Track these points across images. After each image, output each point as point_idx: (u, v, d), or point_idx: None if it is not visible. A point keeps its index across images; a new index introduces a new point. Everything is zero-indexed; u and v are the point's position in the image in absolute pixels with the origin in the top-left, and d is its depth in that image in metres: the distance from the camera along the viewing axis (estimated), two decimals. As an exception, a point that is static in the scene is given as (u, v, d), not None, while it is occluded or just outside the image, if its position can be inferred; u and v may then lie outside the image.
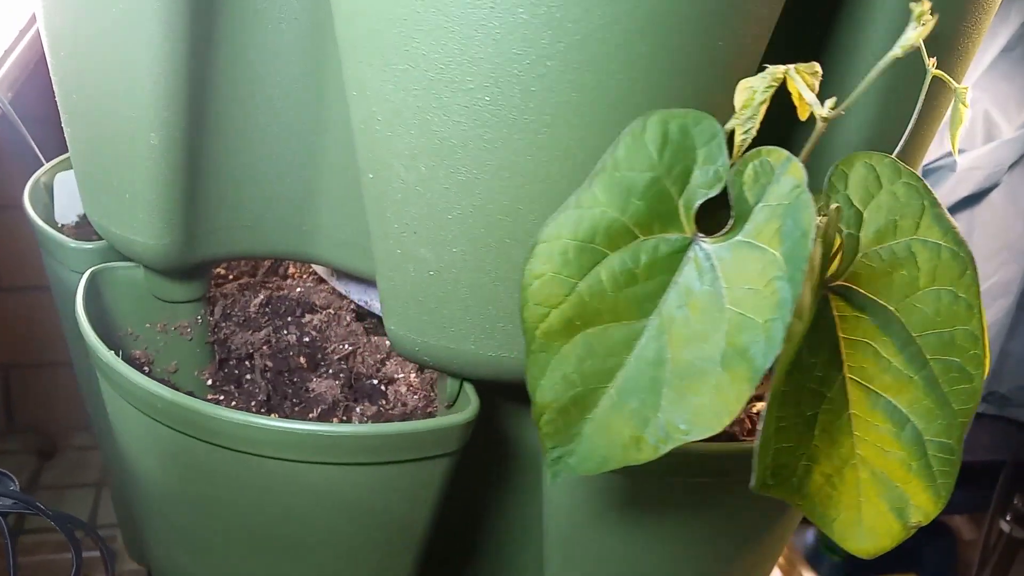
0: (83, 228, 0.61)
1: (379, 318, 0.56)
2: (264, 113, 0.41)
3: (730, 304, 0.31)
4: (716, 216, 0.32)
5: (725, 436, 0.48)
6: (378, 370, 0.54)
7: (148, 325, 0.51)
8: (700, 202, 0.31)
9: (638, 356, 0.33)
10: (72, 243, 0.52)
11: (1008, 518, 1.01)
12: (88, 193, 0.47)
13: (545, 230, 0.30)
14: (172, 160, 0.42)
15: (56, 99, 0.47)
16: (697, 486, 0.42)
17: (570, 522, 0.43)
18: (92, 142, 0.44)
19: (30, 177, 0.57)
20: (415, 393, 0.50)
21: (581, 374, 0.33)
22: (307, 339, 0.55)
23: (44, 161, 0.60)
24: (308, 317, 0.56)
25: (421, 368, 0.53)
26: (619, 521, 0.43)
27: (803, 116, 0.33)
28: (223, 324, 0.53)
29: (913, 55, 0.30)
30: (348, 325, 0.56)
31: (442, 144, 0.34)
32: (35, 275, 0.54)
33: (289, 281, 0.61)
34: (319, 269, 0.61)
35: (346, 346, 0.55)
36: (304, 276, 0.62)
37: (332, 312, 0.56)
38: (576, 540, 0.44)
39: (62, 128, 0.47)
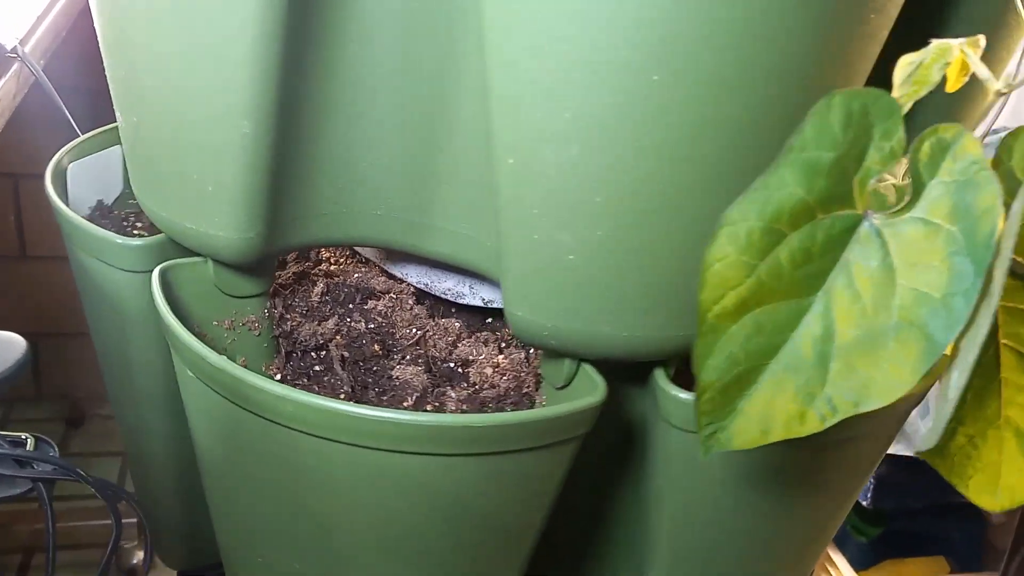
0: (97, 219, 0.57)
1: (440, 300, 0.55)
2: (364, 100, 0.39)
3: (903, 280, 0.31)
4: (882, 194, 0.32)
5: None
6: (450, 353, 0.53)
7: (215, 323, 0.48)
8: (874, 179, 0.31)
9: (804, 332, 0.33)
10: (118, 239, 0.48)
11: (1042, 502, 1.00)
12: (151, 187, 0.45)
13: (730, 213, 0.30)
14: (265, 149, 0.40)
15: (110, 83, 0.44)
16: (827, 443, 0.43)
17: (691, 489, 0.44)
18: (166, 132, 0.41)
19: (62, 147, 0.54)
20: (502, 375, 0.49)
21: (746, 352, 0.33)
22: (372, 325, 0.53)
23: (79, 131, 0.56)
24: (371, 303, 0.55)
25: (500, 348, 0.52)
26: (740, 486, 0.44)
27: (953, 88, 0.33)
28: (287, 316, 0.51)
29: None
30: (412, 309, 0.55)
31: (599, 125, 0.33)
32: (63, 245, 0.52)
33: (331, 266, 0.59)
34: (365, 251, 0.59)
35: (414, 331, 0.54)
36: (342, 260, 0.60)
37: (394, 296, 0.55)
38: (695, 508, 0.45)
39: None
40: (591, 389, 0.41)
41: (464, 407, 0.48)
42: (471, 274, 0.54)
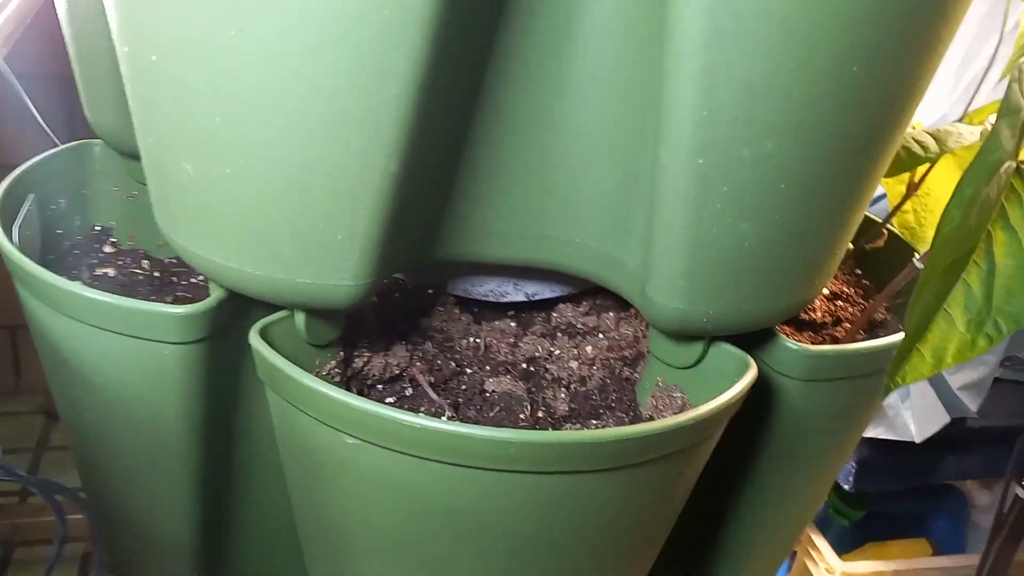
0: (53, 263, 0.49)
1: (481, 303, 0.54)
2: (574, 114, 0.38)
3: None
4: None
5: (824, 339, 0.56)
6: (513, 352, 0.52)
7: (300, 377, 0.43)
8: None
9: (972, 269, 0.38)
10: (164, 308, 0.42)
11: (1024, 484, 0.98)
12: (223, 240, 0.39)
13: (961, 180, 0.34)
14: (408, 187, 0.36)
15: (138, 120, 0.38)
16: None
17: (796, 433, 0.48)
18: (273, 181, 0.36)
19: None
20: (591, 365, 0.50)
21: (935, 296, 0.38)
22: (437, 342, 0.51)
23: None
24: (424, 321, 0.52)
25: (572, 336, 0.52)
26: (838, 426, 0.49)
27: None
28: (353, 354, 0.47)
29: None
30: (460, 317, 0.53)
31: (798, 120, 0.34)
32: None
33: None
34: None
35: (473, 340, 0.52)
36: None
37: (440, 309, 0.53)
38: (797, 450, 0.49)
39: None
40: (738, 366, 0.43)
41: (573, 406, 0.48)
42: (514, 272, 0.53)
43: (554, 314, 0.54)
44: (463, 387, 0.48)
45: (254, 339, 0.40)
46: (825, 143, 0.36)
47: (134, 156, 0.52)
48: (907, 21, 0.34)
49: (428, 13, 0.32)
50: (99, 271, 0.55)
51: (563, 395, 0.48)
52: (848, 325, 0.57)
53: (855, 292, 0.61)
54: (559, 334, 0.53)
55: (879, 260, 0.61)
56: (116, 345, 0.43)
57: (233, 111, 0.34)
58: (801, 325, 0.57)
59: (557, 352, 0.51)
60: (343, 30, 0.32)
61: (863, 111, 0.35)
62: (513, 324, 0.53)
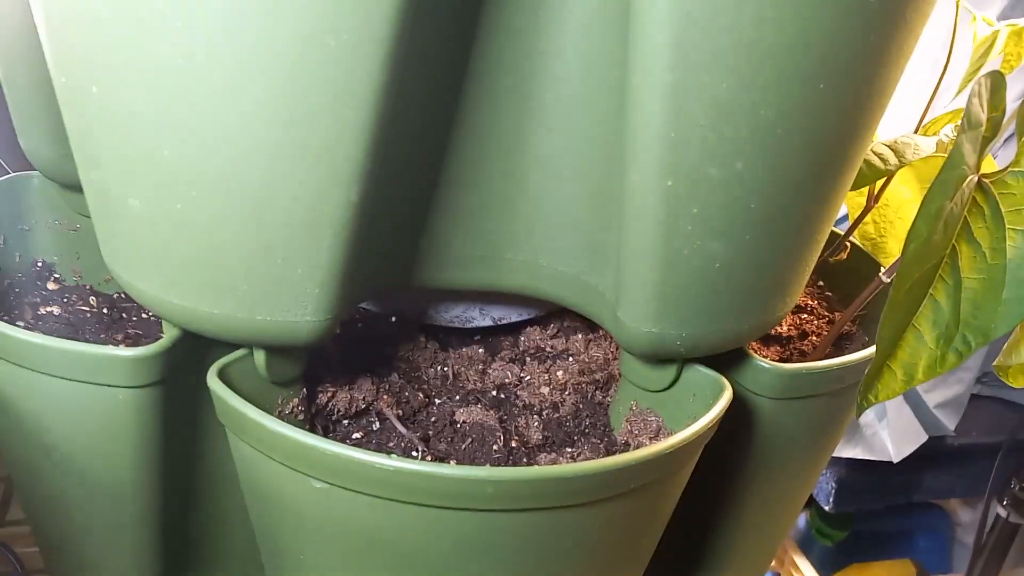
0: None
1: (447, 329, 0.53)
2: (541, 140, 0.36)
3: (1011, 224, 0.37)
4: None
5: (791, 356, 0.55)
6: (483, 380, 0.51)
7: (261, 417, 0.42)
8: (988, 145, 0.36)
9: (938, 286, 0.38)
10: (112, 351, 0.39)
11: (1005, 502, 0.95)
12: (175, 278, 0.37)
13: (927, 196, 0.34)
14: (370, 216, 0.35)
15: (80, 156, 0.35)
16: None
17: (770, 451, 0.48)
18: (227, 214, 0.34)
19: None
20: (561, 390, 0.49)
21: (903, 313, 0.38)
22: (402, 373, 0.49)
23: None
24: (387, 350, 0.50)
25: (541, 361, 0.51)
26: (812, 441, 0.49)
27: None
28: (317, 389, 0.45)
29: None
30: (426, 345, 0.52)
31: (768, 138, 0.34)
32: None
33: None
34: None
35: (442, 369, 0.51)
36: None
37: (406, 338, 0.51)
38: (771, 468, 0.49)
39: None
40: (712, 387, 0.42)
41: (546, 434, 0.47)
42: (480, 297, 0.52)
43: (522, 338, 0.53)
44: (432, 419, 0.47)
45: (212, 381, 0.38)
46: (794, 159, 0.35)
47: (75, 188, 0.50)
48: (872, 35, 0.33)
49: (387, 38, 0.31)
50: (43, 310, 0.52)
51: (536, 423, 0.47)
52: (814, 338, 0.57)
53: (819, 305, 0.61)
54: (528, 359, 0.52)
55: (842, 272, 0.61)
56: (64, 392, 0.41)
57: (183, 142, 0.33)
58: (768, 340, 0.56)
59: (527, 378, 0.50)
60: (298, 55, 0.30)
61: (831, 126, 0.35)
62: (481, 350, 0.52)
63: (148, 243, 0.36)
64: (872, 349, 0.46)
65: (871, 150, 0.47)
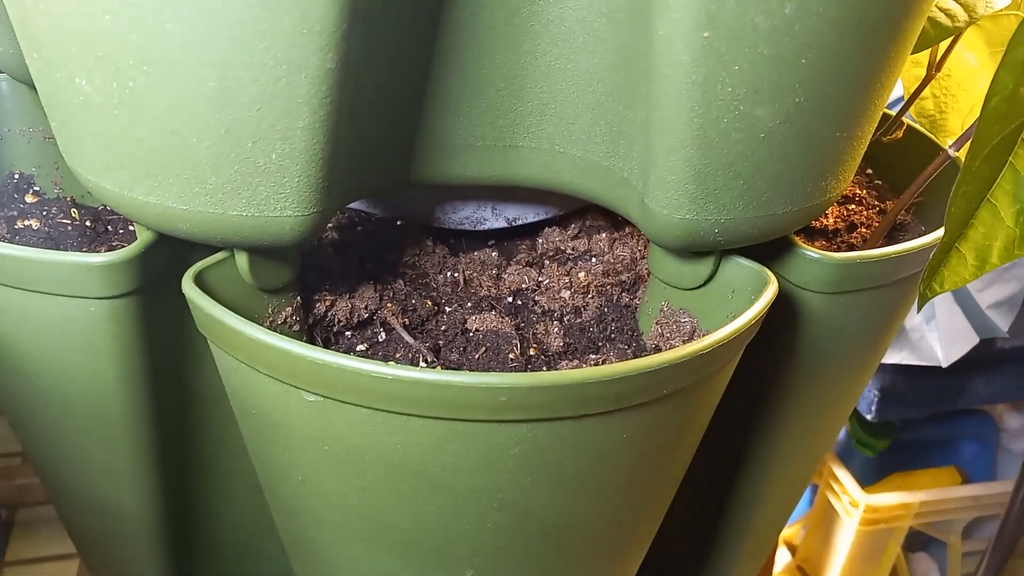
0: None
1: (457, 232, 0.48)
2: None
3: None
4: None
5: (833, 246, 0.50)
6: (497, 285, 0.46)
7: (251, 328, 0.38)
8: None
9: (1021, 154, 0.32)
10: (81, 257, 0.35)
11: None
12: (141, 170, 0.32)
13: (1012, 40, 0.28)
14: (355, 93, 0.30)
15: (21, 32, 0.31)
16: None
17: (820, 347, 0.43)
18: (192, 91, 0.29)
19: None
20: (584, 293, 0.44)
21: (977, 187, 0.32)
22: (409, 279, 0.45)
23: None
24: (391, 256, 0.46)
25: (562, 263, 0.46)
26: (860, 337, 0.44)
27: None
28: (314, 298, 0.41)
29: None
30: (434, 250, 0.47)
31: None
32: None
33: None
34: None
35: (452, 274, 0.46)
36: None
37: (411, 243, 0.47)
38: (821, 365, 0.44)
39: None
40: (755, 281, 0.37)
41: (568, 341, 0.42)
42: (491, 195, 0.47)
43: (540, 240, 0.48)
44: (443, 328, 0.42)
45: (188, 287, 0.34)
46: (853, 5, 0.30)
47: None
48: None
49: None
50: (20, 224, 0.48)
51: (556, 329, 0.42)
52: (864, 231, 0.51)
53: (868, 194, 0.55)
54: (547, 262, 0.47)
55: (892, 158, 0.55)
56: (35, 307, 0.37)
57: (129, 5, 0.28)
58: (812, 233, 0.51)
59: (546, 282, 0.45)
60: None
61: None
62: (494, 254, 0.47)
63: (103, 133, 0.32)
64: (934, 235, 0.40)
65: (936, 5, 0.41)
